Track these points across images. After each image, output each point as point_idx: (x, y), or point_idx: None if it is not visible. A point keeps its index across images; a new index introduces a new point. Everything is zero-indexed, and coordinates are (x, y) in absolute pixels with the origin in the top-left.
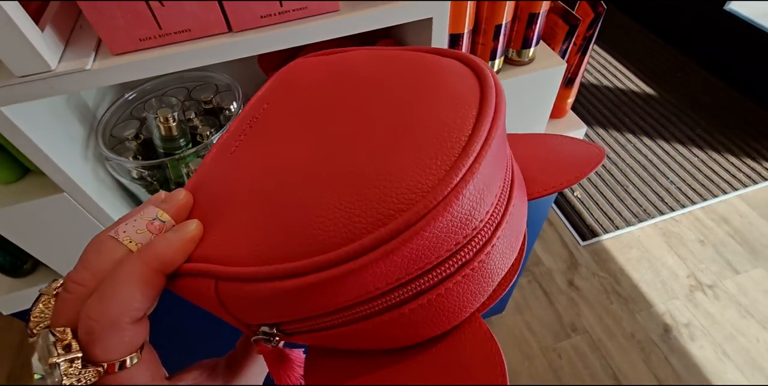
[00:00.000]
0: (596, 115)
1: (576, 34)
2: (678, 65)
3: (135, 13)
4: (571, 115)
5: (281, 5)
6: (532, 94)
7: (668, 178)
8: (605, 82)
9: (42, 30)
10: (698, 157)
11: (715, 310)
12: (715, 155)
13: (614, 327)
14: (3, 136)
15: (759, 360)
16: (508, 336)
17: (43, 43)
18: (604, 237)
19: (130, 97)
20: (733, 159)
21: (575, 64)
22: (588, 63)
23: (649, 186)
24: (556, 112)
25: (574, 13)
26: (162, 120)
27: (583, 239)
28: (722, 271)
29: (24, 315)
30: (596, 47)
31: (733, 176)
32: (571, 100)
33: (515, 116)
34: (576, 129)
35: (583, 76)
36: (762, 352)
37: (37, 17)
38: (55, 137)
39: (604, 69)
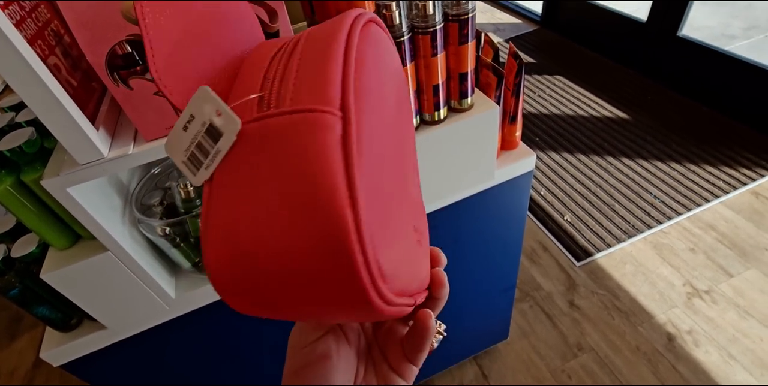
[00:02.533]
0: (577, 143)
1: (504, 83)
2: (647, 90)
3: (161, 110)
4: (522, 146)
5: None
6: (475, 134)
7: (652, 193)
8: (581, 113)
9: (97, 129)
10: (677, 171)
11: (715, 314)
12: (693, 167)
13: (619, 342)
14: (66, 209)
15: (766, 359)
16: (516, 361)
17: (98, 138)
18: (598, 255)
19: (156, 172)
20: (710, 168)
21: (513, 104)
22: (564, 97)
23: (634, 203)
24: (508, 145)
25: (499, 67)
26: (182, 186)
27: (578, 260)
28: (716, 276)
29: (70, 367)
30: (569, 81)
31: (713, 184)
32: (518, 133)
33: (466, 154)
34: (526, 157)
35: (560, 109)
36: (767, 351)
37: (93, 119)
38: (102, 208)
39: (579, 101)
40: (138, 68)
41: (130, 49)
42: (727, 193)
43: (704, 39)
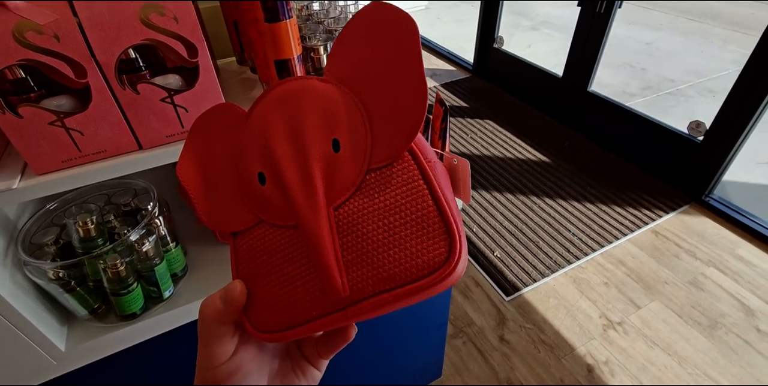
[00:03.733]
0: (504, 182)
1: (432, 127)
2: (564, 136)
3: (57, 141)
4: None
5: (182, 126)
6: None
7: (570, 231)
8: (509, 155)
9: None
10: (591, 211)
11: (627, 345)
12: (604, 207)
13: (545, 375)
14: None
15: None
16: None
17: None
18: (525, 290)
19: (52, 207)
20: (618, 209)
21: (440, 147)
22: (494, 139)
23: (555, 239)
24: None
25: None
26: (81, 224)
27: (507, 295)
28: (626, 308)
29: None
30: (498, 126)
31: (621, 223)
32: None
33: None
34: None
35: (490, 151)
36: (671, 377)
37: None
38: None
39: (507, 144)
40: (32, 95)
41: (23, 75)
42: (632, 231)
43: (609, 95)
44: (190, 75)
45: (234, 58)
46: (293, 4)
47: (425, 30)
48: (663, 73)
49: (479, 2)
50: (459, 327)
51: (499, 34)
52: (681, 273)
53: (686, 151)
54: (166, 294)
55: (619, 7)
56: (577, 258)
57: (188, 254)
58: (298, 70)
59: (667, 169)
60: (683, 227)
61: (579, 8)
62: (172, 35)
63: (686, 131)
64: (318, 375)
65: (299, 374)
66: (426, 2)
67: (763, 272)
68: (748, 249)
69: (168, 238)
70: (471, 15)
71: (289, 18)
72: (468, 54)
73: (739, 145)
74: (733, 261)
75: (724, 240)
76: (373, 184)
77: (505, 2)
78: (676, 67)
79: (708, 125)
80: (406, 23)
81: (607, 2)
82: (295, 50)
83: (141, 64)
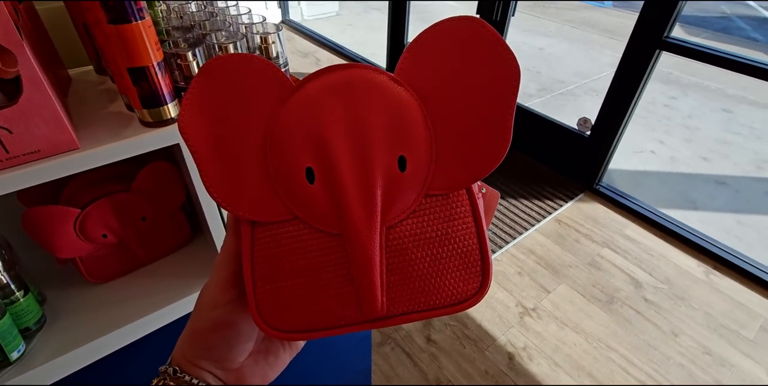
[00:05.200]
0: None
1: None
2: None
3: None
4: None
5: (7, 152)
6: None
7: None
8: None
9: None
10: (503, 206)
11: (541, 329)
12: (513, 201)
13: (471, 369)
14: None
15: (580, 362)
16: None
17: None
18: None
19: None
20: (526, 202)
21: None
22: None
23: None
24: None
25: None
26: None
27: None
28: (539, 294)
29: None
30: None
31: (529, 215)
32: None
33: None
34: None
35: None
36: (580, 353)
37: None
38: None
39: None
40: None
41: None
42: (539, 221)
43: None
44: (11, 88)
45: (92, 67)
46: (143, 4)
47: (337, 36)
48: (555, 75)
49: (388, 9)
50: (386, 334)
51: (409, 40)
52: (581, 255)
53: (578, 145)
54: (14, 355)
55: (513, 15)
56: (493, 252)
57: (46, 301)
58: (161, 79)
59: (564, 163)
60: (580, 214)
61: (478, 16)
62: None
63: (576, 127)
64: (301, 344)
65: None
66: (337, 8)
67: (646, 248)
68: (633, 229)
69: (12, 287)
70: (382, 21)
71: (141, 19)
72: (381, 60)
73: (618, 137)
74: (622, 240)
75: (613, 222)
76: (427, 211)
77: (413, 10)
78: (565, 70)
79: (593, 121)
80: (511, 64)
81: (501, 11)
82: (154, 56)
83: None
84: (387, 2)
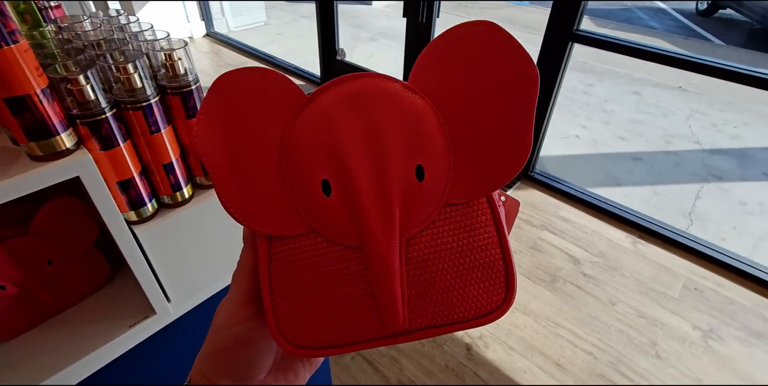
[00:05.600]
0: None
1: None
2: None
3: None
4: None
5: None
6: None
7: None
8: None
9: None
10: None
11: None
12: None
13: (431, 366)
14: None
15: (532, 342)
16: None
17: None
18: None
19: None
20: None
21: None
22: None
23: None
24: None
25: None
26: None
27: None
28: None
29: None
30: None
31: None
32: None
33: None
34: None
35: None
36: (532, 334)
37: None
38: None
39: None
40: None
41: None
42: None
43: None
44: None
45: None
46: (16, 26)
47: (267, 46)
48: None
49: (316, 16)
50: None
51: (340, 47)
52: (524, 240)
53: None
54: None
55: (438, 16)
56: None
57: None
58: (48, 108)
59: None
60: (520, 200)
61: (405, 19)
62: None
63: None
64: (320, 361)
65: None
66: (265, 18)
67: (580, 227)
68: (567, 210)
69: None
70: (311, 29)
71: (15, 43)
72: (314, 67)
73: (546, 125)
74: (558, 222)
75: (549, 206)
76: (447, 221)
77: (341, 16)
78: None
79: None
80: (529, 69)
81: (426, 13)
82: (36, 83)
83: None
84: (315, 10)
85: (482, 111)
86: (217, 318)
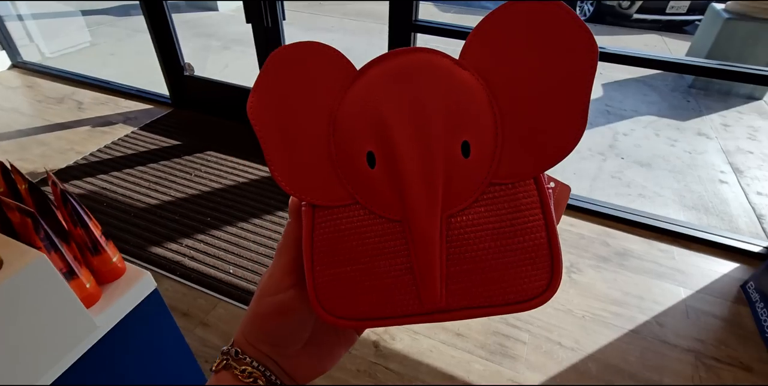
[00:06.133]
0: (247, 209)
1: (55, 215)
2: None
3: None
4: (130, 270)
5: None
6: (27, 297)
7: None
8: (242, 180)
9: None
10: None
11: None
12: None
13: (342, 374)
14: None
15: (445, 325)
16: None
17: None
18: None
19: None
20: None
21: (84, 235)
22: (221, 170)
23: None
24: (111, 276)
25: (25, 206)
26: None
27: None
28: None
29: None
30: (220, 154)
31: None
32: (116, 257)
33: (29, 322)
34: (139, 279)
35: (222, 182)
36: None
37: None
38: None
39: (236, 170)
40: None
41: None
42: None
43: None
44: None
45: None
46: None
47: (99, 70)
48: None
49: (148, 30)
50: None
51: (186, 61)
52: None
53: None
54: None
55: (284, 19)
56: None
57: None
58: None
59: None
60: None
61: (250, 25)
62: None
63: None
64: (355, 338)
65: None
66: (89, 38)
67: None
68: None
69: None
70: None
71: None
72: (162, 87)
73: None
74: None
75: None
76: (491, 200)
77: (185, 26)
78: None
79: None
80: (588, 44)
81: (271, 16)
82: None
83: None
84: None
85: (536, 88)
86: (261, 286)
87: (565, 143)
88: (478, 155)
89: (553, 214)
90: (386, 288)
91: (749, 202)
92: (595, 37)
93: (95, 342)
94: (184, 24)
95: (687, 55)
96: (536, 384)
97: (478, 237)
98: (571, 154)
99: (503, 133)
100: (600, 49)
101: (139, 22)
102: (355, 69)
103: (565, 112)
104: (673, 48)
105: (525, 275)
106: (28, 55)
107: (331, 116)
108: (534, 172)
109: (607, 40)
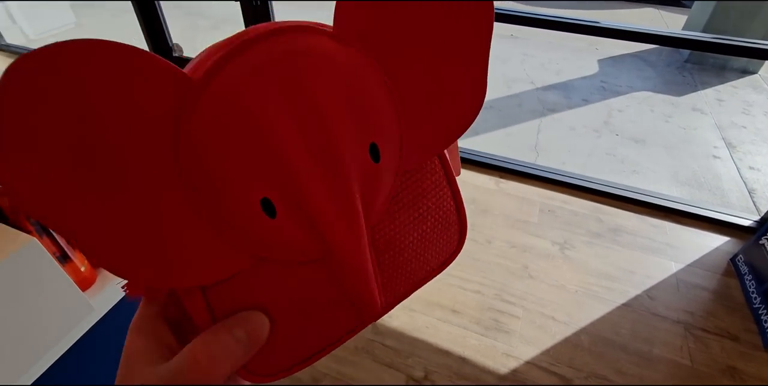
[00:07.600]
0: None
1: None
2: None
3: None
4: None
5: None
6: (25, 277)
7: None
8: None
9: None
10: None
11: None
12: None
13: (340, 352)
14: None
15: (429, 298)
16: None
17: None
18: None
19: None
20: None
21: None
22: None
23: None
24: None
25: None
26: None
27: None
28: None
29: None
30: None
31: None
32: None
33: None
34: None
35: None
36: (427, 289)
37: None
38: None
39: None
40: None
41: None
42: None
43: None
44: None
45: None
46: None
47: None
48: None
49: (134, 9)
50: None
51: (174, 42)
52: None
53: None
54: None
55: None
56: None
57: None
58: None
59: None
60: None
61: (238, 3)
62: None
63: None
64: None
65: None
66: (74, 19)
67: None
68: None
69: None
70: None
71: None
72: None
73: None
74: None
75: None
76: (405, 192)
77: (175, 5)
78: None
79: None
80: (483, 4)
81: None
82: None
83: None
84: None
85: (430, 54)
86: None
87: (468, 110)
88: (387, 155)
89: (457, 181)
90: (313, 327)
91: (741, 177)
92: (591, 11)
93: (93, 324)
94: (170, 3)
95: (684, 29)
96: (530, 358)
97: (401, 234)
98: (566, 132)
99: (405, 118)
100: (594, 23)
101: (125, 2)
102: (189, 77)
103: (465, 76)
104: (670, 22)
105: (440, 244)
106: (12, 37)
107: (176, 157)
108: (438, 150)
109: (603, 15)
